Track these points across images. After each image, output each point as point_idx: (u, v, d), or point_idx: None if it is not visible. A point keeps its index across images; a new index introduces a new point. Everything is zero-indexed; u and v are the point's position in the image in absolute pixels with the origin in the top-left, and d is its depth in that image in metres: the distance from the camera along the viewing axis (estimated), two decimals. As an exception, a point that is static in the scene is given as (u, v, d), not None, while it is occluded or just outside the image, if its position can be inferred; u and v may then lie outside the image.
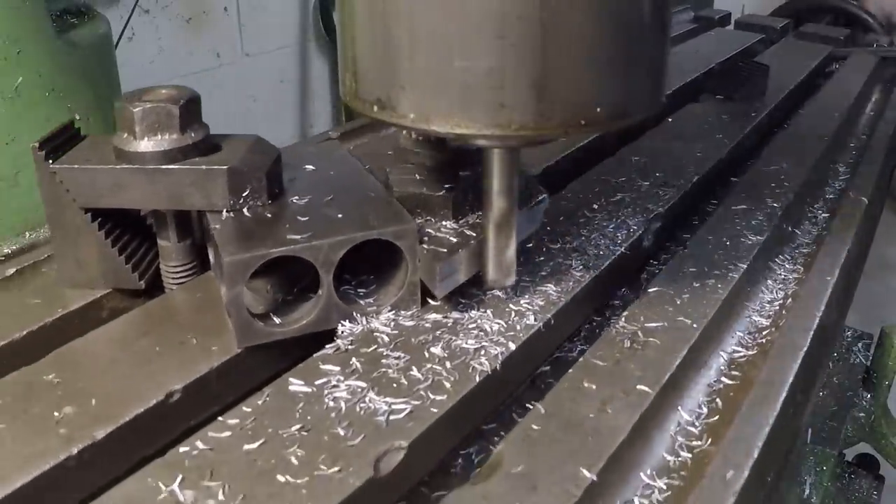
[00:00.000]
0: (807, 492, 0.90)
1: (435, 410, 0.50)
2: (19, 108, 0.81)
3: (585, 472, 0.46)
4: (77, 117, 0.86)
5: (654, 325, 0.62)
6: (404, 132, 0.66)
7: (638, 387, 0.54)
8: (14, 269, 0.76)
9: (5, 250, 0.81)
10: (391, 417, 0.50)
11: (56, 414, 0.53)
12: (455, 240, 0.60)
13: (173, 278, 0.69)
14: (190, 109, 0.64)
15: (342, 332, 0.59)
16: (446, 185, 0.63)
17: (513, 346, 0.56)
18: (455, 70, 0.49)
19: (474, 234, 0.61)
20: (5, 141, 0.81)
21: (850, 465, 1.19)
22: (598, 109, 0.51)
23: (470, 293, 0.63)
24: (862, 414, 1.22)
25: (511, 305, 0.61)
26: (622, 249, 0.72)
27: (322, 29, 2.23)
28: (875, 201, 1.03)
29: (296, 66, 2.24)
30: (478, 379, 0.53)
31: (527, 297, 0.62)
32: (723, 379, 0.60)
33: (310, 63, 2.25)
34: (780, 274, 0.77)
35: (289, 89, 2.23)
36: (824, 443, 0.99)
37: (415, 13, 0.49)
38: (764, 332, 0.66)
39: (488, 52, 0.48)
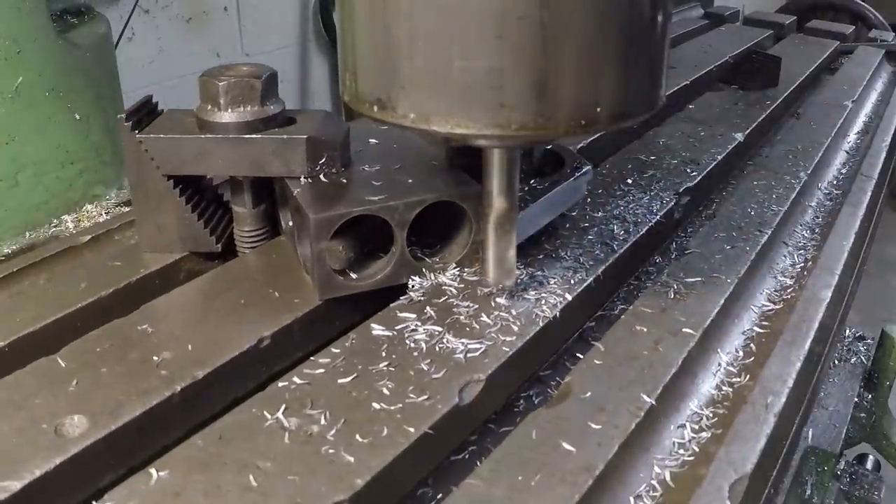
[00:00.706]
0: (808, 492, 0.91)
1: (506, 349, 0.57)
2: (19, 108, 0.80)
3: (645, 397, 0.53)
4: (77, 117, 0.86)
5: (692, 279, 0.68)
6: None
7: (683, 329, 0.61)
8: (89, 237, 0.81)
9: (5, 250, 0.81)
10: (468, 355, 0.56)
11: (155, 358, 0.57)
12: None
13: (247, 242, 0.75)
14: (269, 84, 0.69)
15: (413, 286, 0.65)
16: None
17: (569, 297, 0.62)
18: (455, 70, 0.49)
19: (524, 203, 0.67)
20: (5, 141, 0.80)
21: (850, 466, 1.16)
22: (598, 109, 0.51)
23: (526, 253, 0.69)
24: (863, 414, 1.23)
25: (564, 263, 0.67)
26: (658, 217, 0.78)
27: (322, 29, 2.20)
28: (878, 187, 1.10)
29: (296, 66, 2.23)
30: (541, 324, 0.60)
31: (577, 256, 0.69)
32: (755, 328, 0.67)
33: (310, 63, 2.26)
34: (800, 241, 0.84)
35: (289, 89, 2.20)
36: (825, 443, 1.02)
37: (415, 13, 0.49)
38: (788, 290, 0.73)
39: (488, 52, 0.48)
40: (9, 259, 0.78)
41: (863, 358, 1.28)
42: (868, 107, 1.39)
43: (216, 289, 0.68)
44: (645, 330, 0.61)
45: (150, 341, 0.60)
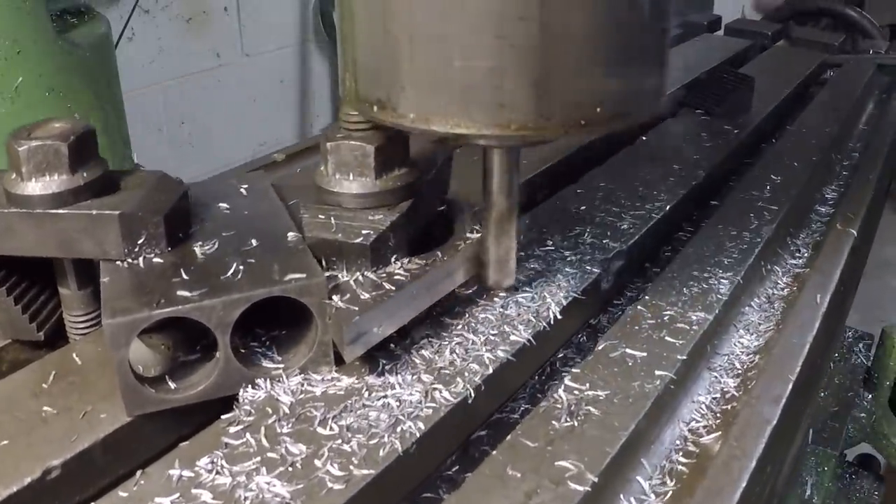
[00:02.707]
0: (808, 492, 0.89)
1: (329, 503, 0.44)
2: (19, 108, 0.81)
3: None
4: (77, 117, 0.85)
5: (596, 393, 0.54)
6: (321, 168, 0.60)
7: (568, 478, 0.47)
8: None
9: None
10: (279, 511, 0.43)
11: (-80, 494, 0.47)
12: (370, 294, 0.54)
13: (77, 328, 0.63)
14: (82, 146, 0.57)
15: (242, 400, 0.52)
16: (364, 231, 0.56)
17: (424, 428, 0.49)
18: (455, 70, 0.49)
19: (394, 287, 0.54)
20: (5, 141, 0.79)
21: (851, 466, 1.18)
22: (598, 109, 0.51)
23: (392, 352, 0.56)
24: (863, 414, 1.22)
25: (431, 368, 0.54)
26: (576, 294, 0.65)
27: (322, 29, 2.22)
28: (865, 232, 0.95)
29: (296, 66, 2.27)
30: (386, 463, 0.47)
31: (452, 360, 0.55)
32: (677, 461, 0.53)
33: (310, 63, 2.24)
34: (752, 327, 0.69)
35: (289, 89, 2.26)
36: (825, 443, 0.97)
37: (415, 13, 0.49)
38: (724, 404, 0.59)
39: (488, 52, 0.48)
40: None
41: (863, 358, 1.23)
42: (857, 129, 1.23)
43: (22, 394, 0.56)
44: (518, 475, 0.47)
45: (-76, 468, 0.49)
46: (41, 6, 0.84)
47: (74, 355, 0.60)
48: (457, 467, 0.54)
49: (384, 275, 0.56)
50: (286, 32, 2.15)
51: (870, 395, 1.21)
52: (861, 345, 1.23)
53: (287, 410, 0.51)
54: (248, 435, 0.49)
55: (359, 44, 0.54)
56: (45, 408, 0.54)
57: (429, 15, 0.49)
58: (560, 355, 0.66)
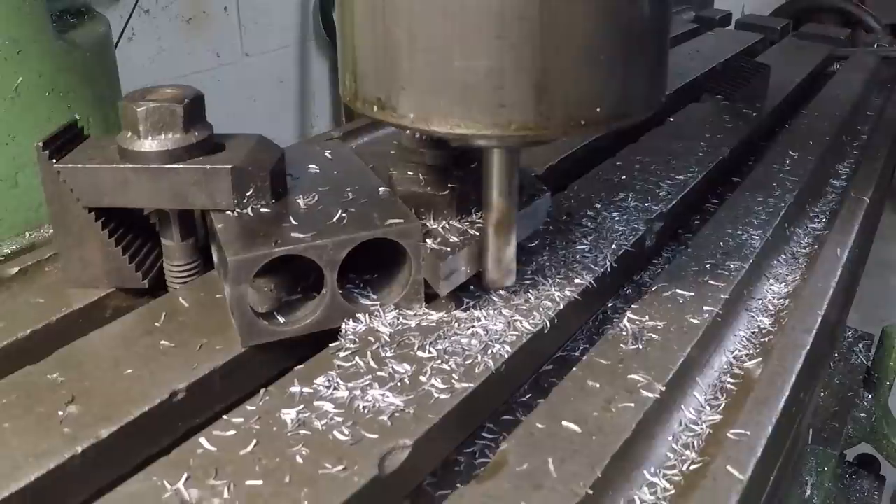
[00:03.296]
0: (808, 492, 0.90)
1: (439, 409, 0.51)
2: (19, 108, 0.81)
3: (591, 471, 0.46)
4: (77, 117, 0.85)
5: (656, 323, 0.62)
6: (405, 131, 0.66)
7: (640, 386, 0.54)
8: (17, 269, 0.76)
9: (5, 250, 0.81)
10: (395, 416, 0.50)
11: (60, 413, 0.53)
12: (458, 238, 0.61)
13: (176, 277, 0.70)
14: (194, 108, 0.64)
15: (345, 332, 0.59)
16: (449, 184, 0.63)
17: (511, 350, 0.56)
18: (455, 70, 0.49)
19: (477, 233, 0.61)
20: (5, 141, 0.81)
21: (851, 466, 1.19)
22: (598, 109, 0.51)
23: (473, 293, 0.63)
24: (863, 414, 1.22)
25: (516, 301, 0.61)
26: (626, 248, 0.72)
27: (322, 29, 2.21)
28: (876, 201, 1.03)
29: (296, 66, 2.22)
30: (483, 377, 0.53)
31: (531, 296, 0.62)
32: (727, 379, 0.61)
33: (310, 63, 2.23)
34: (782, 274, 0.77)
35: (289, 89, 2.21)
36: (825, 443, 0.99)
37: (415, 13, 0.49)
38: (765, 334, 0.67)
39: (488, 52, 0.48)
40: (9, 259, 0.77)
41: (863, 358, 1.25)
42: (863, 116, 1.32)
43: (136, 332, 0.62)
44: (597, 386, 0.54)
45: (58, 393, 0.55)
46: (41, 6, 0.83)
47: (181, 299, 0.66)
48: (529, 395, 0.61)
49: (467, 223, 0.63)
50: (286, 32, 2.14)
51: (870, 395, 1.21)
52: (861, 345, 1.25)
53: (387, 339, 0.58)
54: (356, 358, 0.56)
55: (359, 44, 0.53)
56: (163, 342, 0.60)
57: (429, 15, 0.49)
58: (610, 304, 0.73)
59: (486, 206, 0.58)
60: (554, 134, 0.51)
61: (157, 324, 0.63)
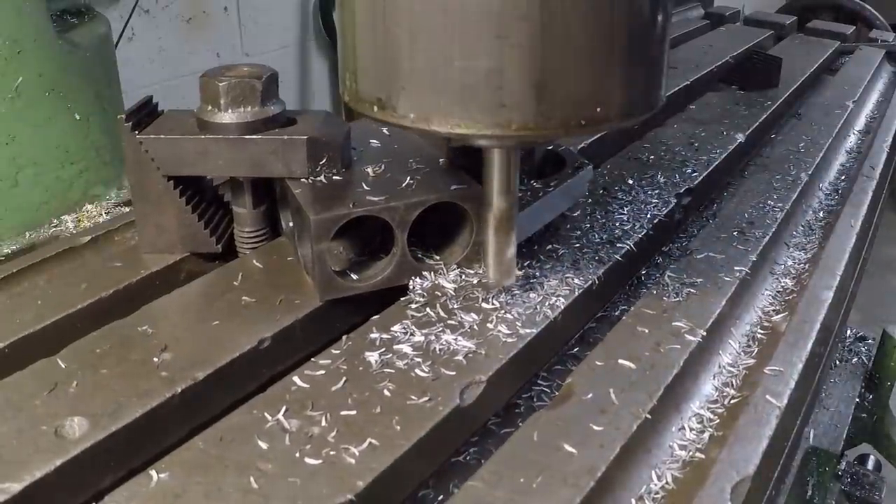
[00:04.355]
0: (809, 492, 0.91)
1: (507, 350, 0.56)
2: (19, 108, 0.80)
3: (647, 399, 0.53)
4: (77, 117, 0.85)
5: (693, 280, 0.69)
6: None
7: (685, 331, 0.61)
8: (89, 238, 0.81)
9: (5, 250, 0.81)
10: (469, 357, 0.56)
11: (155, 359, 0.57)
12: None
13: (247, 243, 0.75)
14: (270, 85, 0.69)
15: (413, 287, 0.64)
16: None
17: (570, 298, 0.62)
18: (455, 70, 0.49)
19: (532, 199, 0.67)
20: (5, 141, 0.80)
21: (852, 466, 1.18)
22: (598, 109, 0.51)
23: (527, 253, 0.69)
24: (864, 415, 1.23)
25: (564, 263, 0.67)
26: (660, 218, 0.78)
27: (322, 29, 2.20)
28: (879, 187, 1.10)
29: (296, 66, 2.23)
30: (542, 325, 0.59)
31: (578, 257, 0.68)
32: (757, 329, 0.68)
33: (310, 63, 2.25)
34: (801, 241, 0.84)
35: (289, 89, 2.20)
36: (826, 444, 1.02)
37: (415, 13, 0.49)
38: (789, 292, 0.73)
39: (488, 52, 0.48)
40: (9, 259, 0.78)
41: (864, 358, 1.28)
42: (869, 107, 1.39)
43: (216, 290, 0.67)
44: (646, 331, 0.61)
45: (150, 342, 0.60)
46: (41, 6, 0.82)
47: (255, 261, 0.72)
48: (577, 348, 0.68)
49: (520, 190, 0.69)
50: (286, 32, 2.15)
51: (871, 396, 1.23)
52: (862, 345, 1.28)
53: (453, 293, 0.63)
54: (427, 309, 0.61)
55: (359, 43, 0.53)
56: (244, 297, 0.65)
57: (429, 15, 0.49)
58: (643, 271, 0.80)
59: (486, 205, 0.58)
60: (554, 134, 0.51)
61: (234, 283, 0.68)
